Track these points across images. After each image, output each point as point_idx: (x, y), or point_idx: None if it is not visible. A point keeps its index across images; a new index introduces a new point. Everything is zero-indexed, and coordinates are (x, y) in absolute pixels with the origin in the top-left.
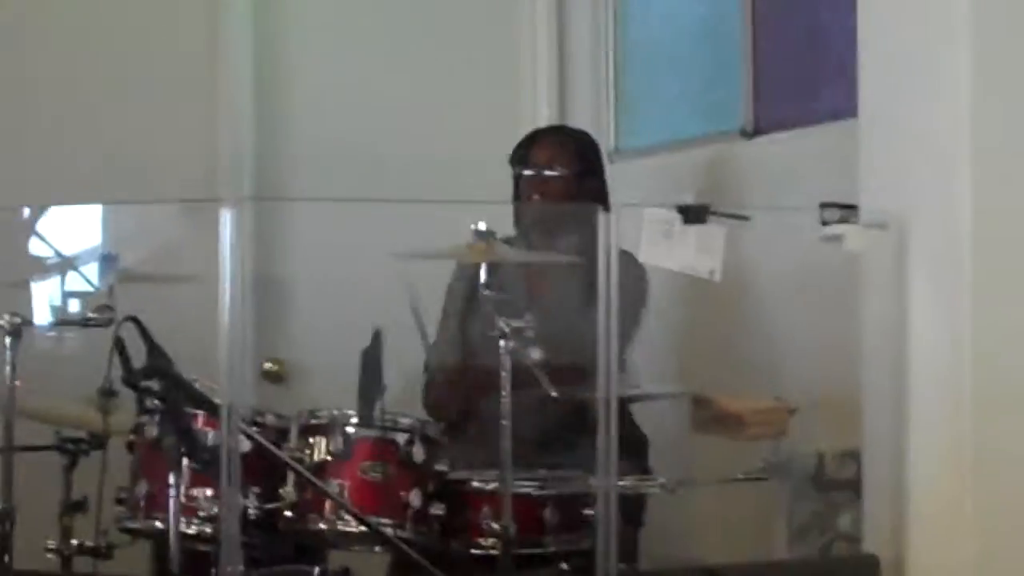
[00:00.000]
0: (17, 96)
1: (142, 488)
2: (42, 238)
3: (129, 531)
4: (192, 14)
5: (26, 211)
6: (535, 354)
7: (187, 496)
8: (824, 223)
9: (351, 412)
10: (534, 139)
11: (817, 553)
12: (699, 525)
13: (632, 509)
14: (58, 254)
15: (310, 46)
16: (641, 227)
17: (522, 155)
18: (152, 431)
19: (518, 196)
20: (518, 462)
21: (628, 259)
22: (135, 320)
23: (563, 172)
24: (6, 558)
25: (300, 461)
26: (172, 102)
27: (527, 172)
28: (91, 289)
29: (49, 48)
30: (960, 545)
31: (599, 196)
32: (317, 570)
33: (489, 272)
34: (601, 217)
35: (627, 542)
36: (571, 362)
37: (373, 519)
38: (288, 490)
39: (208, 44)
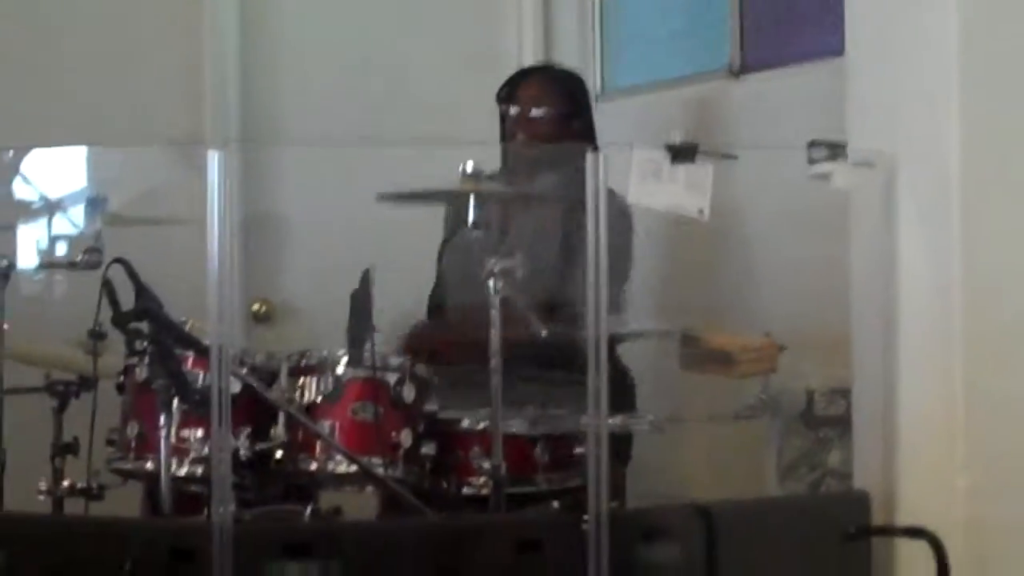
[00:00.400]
0: (6, 39)
1: (133, 429)
2: (28, 181)
3: (120, 472)
4: None
5: (11, 153)
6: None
7: (178, 437)
8: (812, 161)
9: (341, 352)
10: (522, 77)
11: (807, 490)
12: (688, 463)
13: (619, 446)
14: (44, 197)
15: None
16: (629, 167)
17: (509, 93)
18: (142, 373)
19: (504, 134)
20: (508, 401)
21: (611, 196)
22: (123, 262)
23: (550, 112)
24: None
25: (290, 402)
26: (158, 44)
27: (513, 110)
28: (78, 232)
29: None
30: (950, 480)
31: (586, 136)
32: (308, 510)
33: (477, 212)
34: (589, 157)
35: (615, 479)
36: (560, 301)
37: (364, 459)
38: (278, 431)
39: None
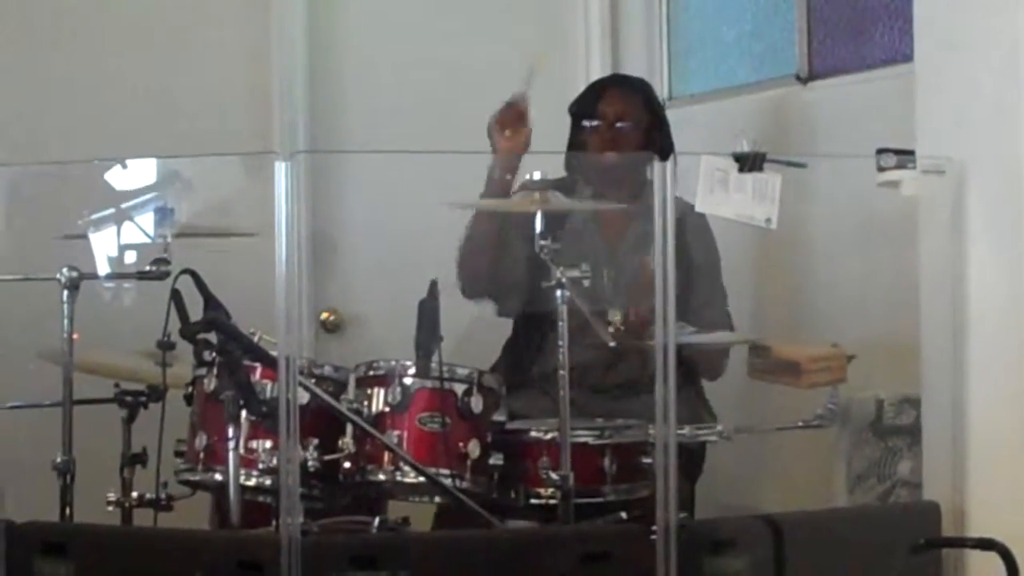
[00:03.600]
0: (74, 51)
1: (201, 440)
2: (97, 191)
3: (188, 483)
4: None
5: (80, 164)
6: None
7: (246, 448)
8: (881, 169)
9: (408, 363)
10: (603, 90)
11: (877, 501)
12: (757, 473)
13: (690, 461)
14: (113, 207)
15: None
16: (697, 175)
17: (589, 106)
18: (210, 383)
19: (574, 145)
20: (578, 411)
21: (690, 208)
22: (192, 273)
23: (635, 125)
24: (67, 511)
25: (358, 412)
26: (226, 54)
27: (596, 123)
28: (147, 242)
29: (100, 3)
30: (1021, 491)
31: (666, 147)
32: (376, 520)
33: (545, 222)
34: (656, 166)
35: (684, 491)
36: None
37: (431, 469)
38: (347, 441)
39: None
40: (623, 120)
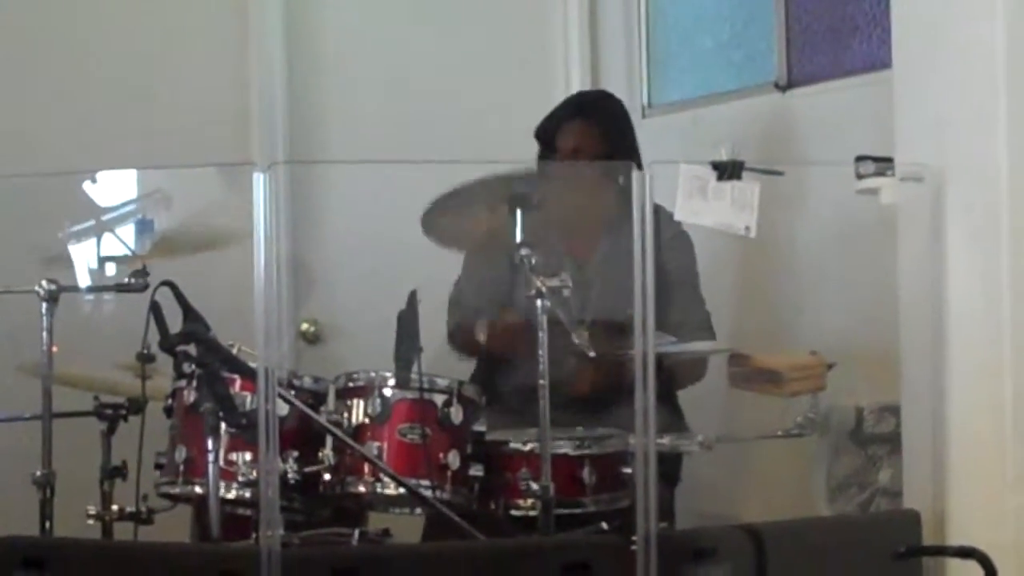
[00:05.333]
0: (53, 63)
1: (181, 453)
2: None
3: (169, 496)
4: None
5: (59, 176)
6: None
7: (226, 460)
8: (860, 176)
9: (388, 374)
10: (559, 123)
11: (857, 509)
12: (738, 482)
13: (668, 468)
14: (92, 219)
15: (341, 7)
16: (676, 184)
17: (545, 141)
18: (190, 396)
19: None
20: (557, 422)
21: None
22: (171, 285)
23: (590, 159)
24: (47, 525)
25: (338, 424)
26: (205, 66)
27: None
28: (127, 254)
29: (78, 14)
30: (1001, 499)
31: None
32: (357, 532)
33: (524, 231)
34: (635, 175)
35: (664, 500)
36: (619, 320)
37: (412, 481)
38: (326, 453)
39: (238, 7)
40: (578, 155)
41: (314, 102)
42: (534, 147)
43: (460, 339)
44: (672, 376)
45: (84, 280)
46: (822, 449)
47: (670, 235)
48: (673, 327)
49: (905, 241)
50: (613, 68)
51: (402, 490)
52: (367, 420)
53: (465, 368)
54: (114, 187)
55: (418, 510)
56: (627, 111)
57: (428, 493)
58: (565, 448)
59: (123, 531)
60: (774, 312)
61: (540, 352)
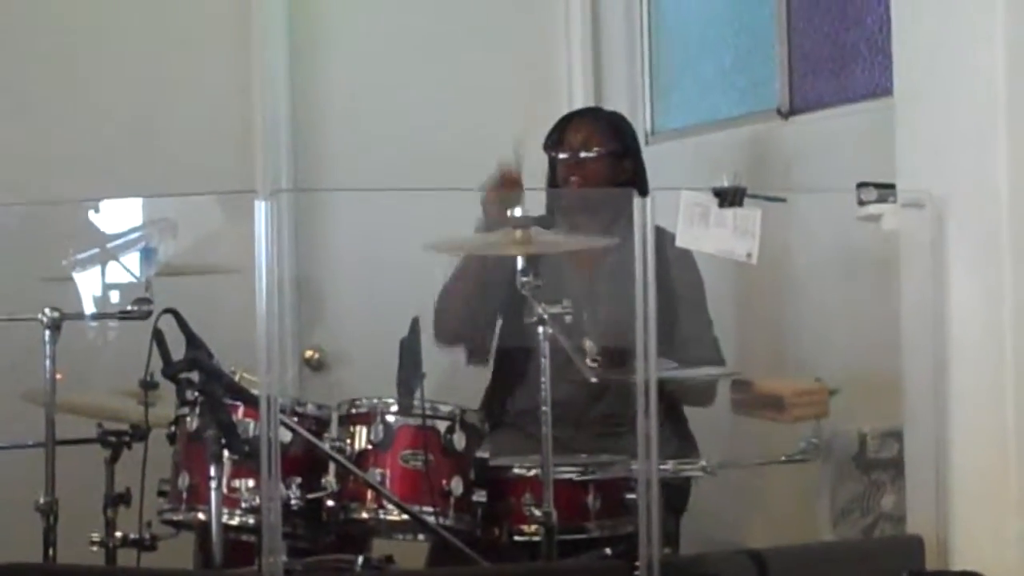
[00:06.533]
0: (57, 90)
1: (184, 480)
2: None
3: (172, 523)
4: (225, 4)
5: (65, 204)
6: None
7: (229, 487)
8: (861, 203)
9: (391, 400)
10: (568, 122)
11: (860, 534)
12: (741, 508)
13: (674, 496)
14: (95, 247)
15: (344, 36)
16: (678, 210)
17: (556, 139)
18: (193, 423)
19: (553, 182)
20: (565, 447)
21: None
22: (174, 312)
23: (599, 152)
24: (50, 552)
25: (341, 451)
26: (209, 94)
27: (563, 155)
28: (132, 281)
29: (83, 43)
30: (1004, 524)
31: (637, 175)
32: (360, 559)
33: (526, 258)
34: (636, 201)
35: (668, 527)
36: (623, 346)
37: (415, 507)
38: (329, 480)
39: (242, 35)
40: (588, 149)
41: (317, 129)
42: (537, 173)
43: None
44: (679, 404)
45: (88, 307)
46: (825, 475)
47: (676, 257)
48: (679, 349)
49: (907, 267)
50: (616, 94)
51: (405, 516)
52: (370, 446)
53: (468, 394)
54: (118, 215)
55: (421, 536)
56: (635, 131)
57: (431, 519)
58: (569, 473)
59: (126, 558)
60: (776, 338)
61: (543, 378)
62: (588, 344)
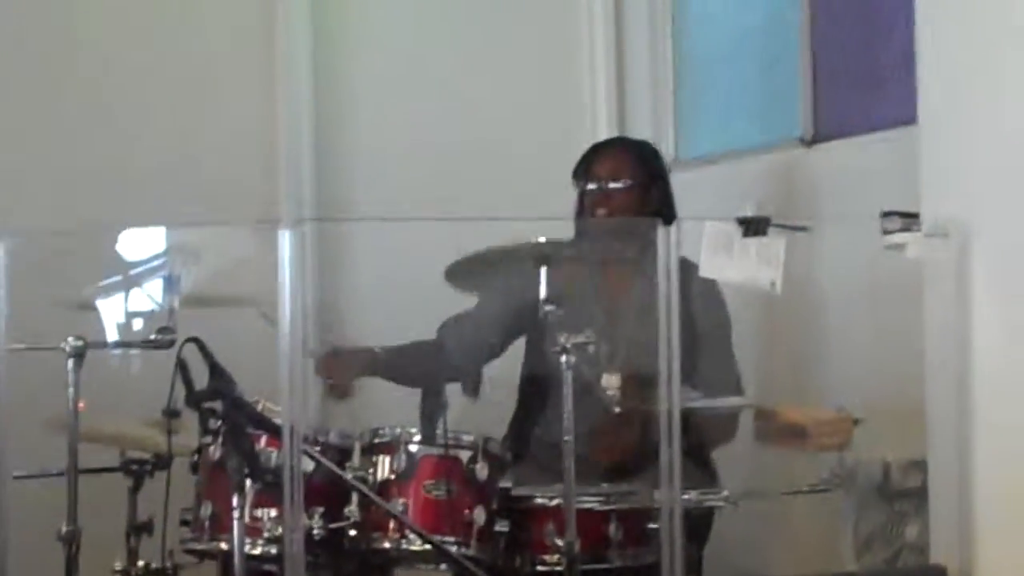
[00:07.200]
0: (81, 119)
1: (207, 509)
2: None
3: (195, 552)
4: (250, 33)
5: (86, 233)
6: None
7: (251, 517)
8: (886, 232)
9: (413, 430)
10: (595, 152)
11: (884, 564)
12: (764, 537)
13: (697, 526)
14: (119, 276)
15: (369, 64)
16: (701, 240)
17: (584, 169)
18: (215, 452)
19: (582, 212)
20: (587, 477)
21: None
22: (197, 341)
23: (628, 183)
24: None
25: (363, 480)
26: (233, 123)
27: (591, 186)
28: (155, 310)
29: (107, 70)
30: None
31: (665, 204)
32: None
33: (550, 286)
34: (660, 230)
35: (691, 557)
36: (646, 376)
37: (437, 537)
38: (352, 509)
39: (267, 64)
40: (616, 179)
41: (342, 157)
42: (562, 200)
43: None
44: (701, 436)
45: (111, 335)
46: (849, 504)
47: (701, 289)
48: (702, 384)
49: (931, 296)
50: (640, 122)
51: (427, 546)
52: (392, 476)
53: (491, 424)
54: (141, 243)
55: (443, 566)
56: (663, 159)
57: (454, 549)
58: (591, 503)
59: None
60: (800, 367)
61: (566, 407)
62: (607, 378)
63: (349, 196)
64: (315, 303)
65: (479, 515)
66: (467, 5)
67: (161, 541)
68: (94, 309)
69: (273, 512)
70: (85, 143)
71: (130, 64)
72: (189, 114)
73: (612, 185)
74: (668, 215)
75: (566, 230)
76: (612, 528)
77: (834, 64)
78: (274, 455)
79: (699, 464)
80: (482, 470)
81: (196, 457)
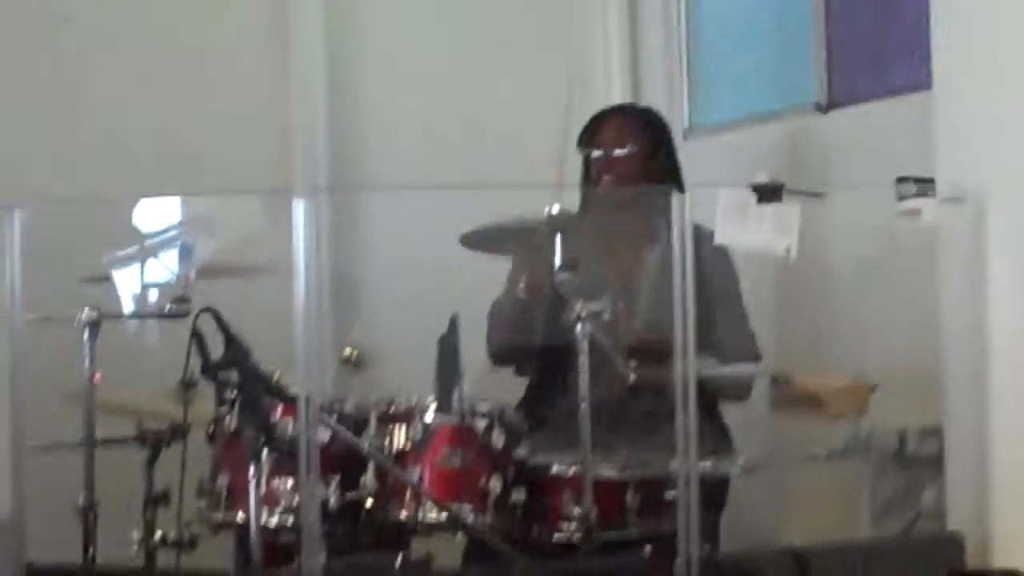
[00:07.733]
0: (96, 90)
1: (223, 480)
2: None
3: (211, 523)
4: (264, 4)
5: (100, 203)
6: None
7: (267, 487)
8: (901, 197)
9: (429, 399)
10: (600, 120)
11: (901, 532)
12: (781, 505)
13: (713, 493)
14: (134, 246)
15: (382, 34)
16: (716, 207)
17: (589, 136)
18: (231, 423)
19: (587, 179)
20: (603, 446)
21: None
22: (213, 311)
23: (632, 150)
24: (90, 552)
25: (379, 450)
26: (247, 93)
27: (596, 153)
28: (170, 280)
29: (122, 41)
30: None
31: (670, 172)
32: (400, 558)
33: (564, 255)
34: (675, 197)
35: (707, 524)
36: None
37: (454, 506)
38: (368, 479)
39: (280, 34)
40: (621, 146)
41: (356, 126)
42: (575, 169)
43: (499, 346)
44: (714, 394)
45: (127, 306)
46: (865, 472)
47: (715, 252)
48: (717, 344)
49: (947, 262)
50: (654, 91)
51: (444, 516)
52: (409, 446)
53: (506, 393)
54: (155, 214)
55: (460, 535)
56: (669, 128)
57: (470, 518)
58: (608, 472)
59: (166, 558)
60: (815, 335)
61: (582, 375)
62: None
63: (363, 165)
64: (329, 271)
65: (495, 484)
66: None
67: (177, 512)
68: (109, 280)
69: (289, 482)
70: (100, 114)
71: (144, 35)
72: (204, 85)
73: (617, 152)
74: (675, 182)
75: (577, 197)
76: (630, 497)
77: (848, 29)
78: (290, 425)
79: (712, 428)
80: (498, 439)
81: (212, 428)
